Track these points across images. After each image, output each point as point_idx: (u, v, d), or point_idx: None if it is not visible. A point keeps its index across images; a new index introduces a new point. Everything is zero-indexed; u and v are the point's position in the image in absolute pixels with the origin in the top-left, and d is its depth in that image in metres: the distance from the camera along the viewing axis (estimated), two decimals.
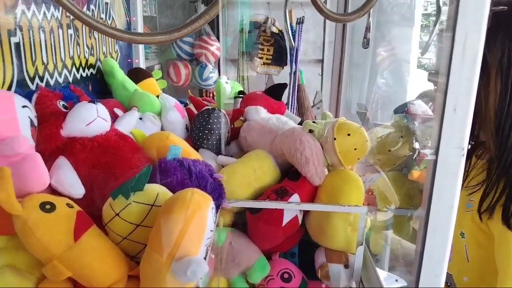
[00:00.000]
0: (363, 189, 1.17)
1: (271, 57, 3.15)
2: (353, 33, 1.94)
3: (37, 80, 1.09)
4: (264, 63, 3.17)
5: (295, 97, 2.99)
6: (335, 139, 1.15)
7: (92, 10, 1.51)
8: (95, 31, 1.52)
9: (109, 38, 1.68)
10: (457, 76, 0.55)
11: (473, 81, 0.55)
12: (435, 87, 0.60)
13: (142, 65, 2.03)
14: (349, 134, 1.15)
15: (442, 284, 0.70)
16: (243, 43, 3.26)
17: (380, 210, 1.31)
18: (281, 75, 3.15)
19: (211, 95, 3.26)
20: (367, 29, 1.36)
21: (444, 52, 0.56)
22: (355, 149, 1.16)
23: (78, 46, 1.37)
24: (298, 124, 1.45)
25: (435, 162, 0.60)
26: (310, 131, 1.19)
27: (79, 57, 1.38)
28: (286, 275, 1.19)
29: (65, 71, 1.27)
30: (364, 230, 1.13)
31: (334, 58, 1.86)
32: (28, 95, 0.93)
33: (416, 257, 0.71)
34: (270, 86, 1.68)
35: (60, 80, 1.23)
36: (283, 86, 1.68)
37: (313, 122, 1.20)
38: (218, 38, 3.25)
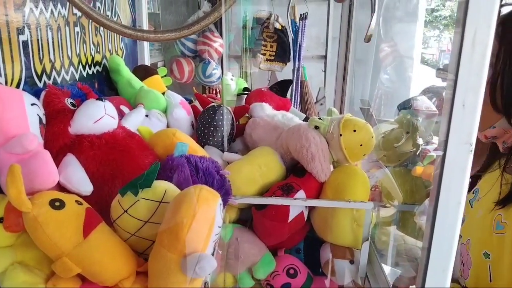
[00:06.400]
0: (369, 185, 1.17)
1: (274, 53, 3.15)
2: (356, 29, 1.94)
3: (44, 77, 1.09)
4: (267, 60, 3.16)
5: (298, 93, 2.99)
6: (341, 135, 1.15)
7: (98, 8, 1.52)
8: (101, 29, 1.52)
9: (115, 36, 1.68)
10: (466, 71, 0.55)
11: (482, 77, 0.55)
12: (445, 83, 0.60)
13: (147, 62, 2.03)
14: (355, 130, 1.15)
15: (449, 280, 0.70)
16: (246, 39, 3.25)
17: (385, 206, 1.31)
18: (284, 72, 3.14)
19: (214, 91, 3.25)
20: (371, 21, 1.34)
21: (453, 47, 0.56)
22: (361, 145, 1.16)
23: (84, 44, 1.37)
24: (303, 120, 1.46)
25: (443, 158, 0.60)
26: (316, 127, 1.19)
27: (85, 54, 1.39)
28: (291, 271, 1.20)
29: (71, 69, 1.27)
30: (370, 226, 1.13)
31: (339, 54, 1.85)
32: (36, 93, 0.93)
33: (423, 253, 0.71)
34: (275, 83, 1.67)
35: (67, 77, 1.24)
36: (288, 82, 1.68)
37: (319, 118, 1.20)
38: (221, 35, 3.24)
